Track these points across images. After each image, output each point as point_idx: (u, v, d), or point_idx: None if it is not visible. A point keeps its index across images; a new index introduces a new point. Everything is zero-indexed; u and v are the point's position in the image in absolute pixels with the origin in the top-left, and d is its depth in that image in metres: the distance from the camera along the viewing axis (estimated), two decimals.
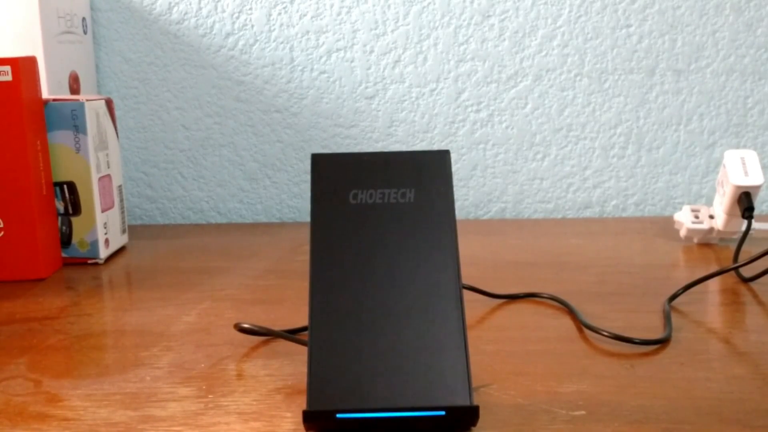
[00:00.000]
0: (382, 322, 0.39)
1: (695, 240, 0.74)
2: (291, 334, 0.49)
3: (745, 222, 0.68)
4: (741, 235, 0.67)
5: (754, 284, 0.61)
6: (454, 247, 0.41)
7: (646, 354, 0.47)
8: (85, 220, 0.69)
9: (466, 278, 0.64)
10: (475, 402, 0.40)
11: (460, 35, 0.86)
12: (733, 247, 0.72)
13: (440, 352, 0.38)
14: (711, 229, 0.72)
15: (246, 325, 0.49)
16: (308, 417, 0.36)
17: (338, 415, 0.36)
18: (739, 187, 0.67)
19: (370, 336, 0.38)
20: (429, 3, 0.85)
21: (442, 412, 0.36)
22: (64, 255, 0.70)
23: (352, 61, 0.87)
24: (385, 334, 0.38)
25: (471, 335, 0.51)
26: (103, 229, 0.71)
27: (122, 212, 0.75)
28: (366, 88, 0.87)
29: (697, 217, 0.72)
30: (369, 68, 0.87)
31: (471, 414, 0.36)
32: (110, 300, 0.60)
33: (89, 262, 0.70)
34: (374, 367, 0.37)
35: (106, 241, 0.71)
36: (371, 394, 0.37)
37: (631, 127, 0.88)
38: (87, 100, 0.68)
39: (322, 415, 0.36)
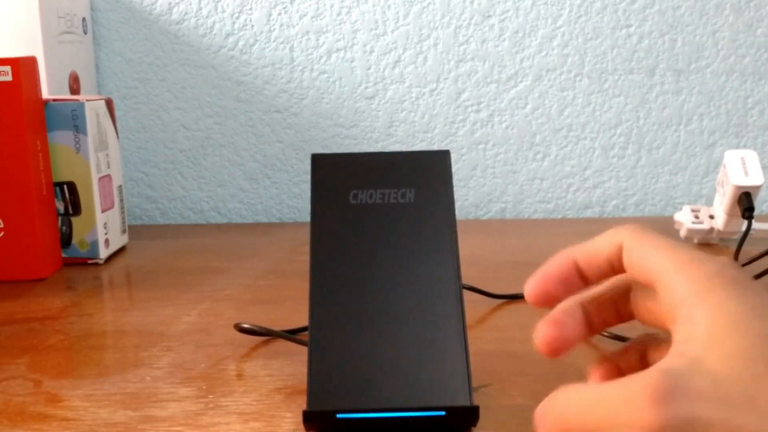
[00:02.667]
0: (382, 322, 0.39)
1: (695, 240, 0.74)
2: (291, 334, 0.49)
3: (745, 222, 0.68)
4: (741, 235, 0.67)
5: None
6: (454, 247, 0.41)
7: None
8: (85, 220, 0.69)
9: (466, 278, 0.64)
10: (475, 402, 0.40)
11: (460, 35, 0.86)
12: (733, 247, 0.72)
13: (440, 352, 0.38)
14: (711, 230, 0.72)
15: (246, 325, 0.49)
16: (308, 417, 0.36)
17: (338, 415, 0.36)
18: (739, 187, 0.67)
19: (370, 336, 0.38)
20: (429, 3, 0.85)
21: (442, 413, 0.36)
22: (64, 255, 0.70)
23: (352, 61, 0.87)
24: (385, 334, 0.38)
25: (471, 335, 0.51)
26: (103, 229, 0.71)
27: (122, 212, 0.75)
28: (366, 88, 0.87)
29: (697, 217, 0.72)
30: (369, 68, 0.87)
31: (471, 414, 0.36)
32: (110, 300, 0.60)
33: (89, 262, 0.70)
34: (374, 367, 0.37)
35: (106, 241, 0.71)
36: (371, 394, 0.37)
37: (631, 127, 0.88)
38: (87, 100, 0.68)
39: (322, 415, 0.36)
